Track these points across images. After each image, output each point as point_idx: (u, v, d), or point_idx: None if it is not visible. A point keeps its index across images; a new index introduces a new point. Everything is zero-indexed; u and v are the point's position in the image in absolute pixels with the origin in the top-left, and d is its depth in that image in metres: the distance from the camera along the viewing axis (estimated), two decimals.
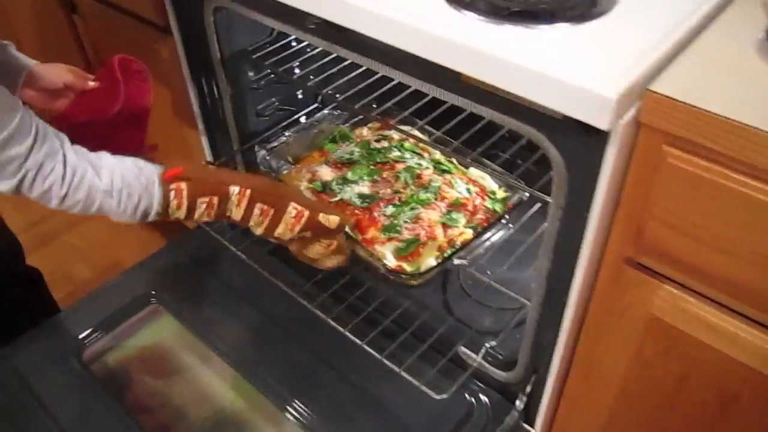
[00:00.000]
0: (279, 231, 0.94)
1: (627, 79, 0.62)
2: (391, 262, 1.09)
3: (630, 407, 0.87)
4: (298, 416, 1.02)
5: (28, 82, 1.04)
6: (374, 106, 1.29)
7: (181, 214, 0.89)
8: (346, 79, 1.20)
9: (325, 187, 1.22)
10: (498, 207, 1.19)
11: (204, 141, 1.30)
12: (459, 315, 1.10)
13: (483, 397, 1.04)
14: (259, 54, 1.18)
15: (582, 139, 0.68)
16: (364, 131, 1.38)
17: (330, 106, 1.39)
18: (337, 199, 1.20)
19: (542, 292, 0.86)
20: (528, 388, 0.99)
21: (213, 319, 1.15)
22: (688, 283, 0.71)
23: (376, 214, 1.17)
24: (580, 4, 0.74)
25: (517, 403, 1.02)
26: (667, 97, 0.61)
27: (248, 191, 0.90)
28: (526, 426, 1.03)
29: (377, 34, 0.76)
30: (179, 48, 1.17)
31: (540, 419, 1.01)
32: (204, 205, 0.89)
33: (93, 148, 1.11)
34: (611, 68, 0.64)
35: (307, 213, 0.93)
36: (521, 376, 0.99)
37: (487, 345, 1.05)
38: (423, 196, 1.19)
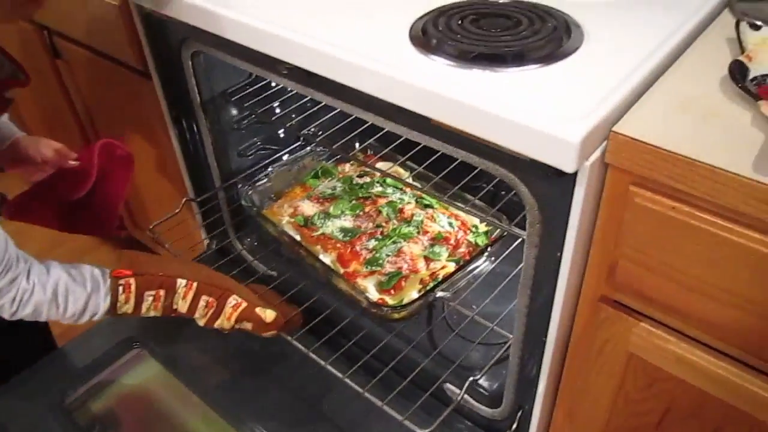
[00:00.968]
0: (218, 322, 0.98)
1: (591, 122, 0.62)
2: (373, 295, 1.09)
3: None
4: None
5: (11, 151, 1.10)
6: (356, 143, 1.30)
7: (129, 308, 0.92)
8: (327, 117, 1.21)
9: (307, 222, 1.23)
10: (480, 240, 1.19)
11: (186, 179, 1.30)
12: (443, 350, 1.09)
13: None
14: (238, 96, 1.18)
15: (551, 180, 0.68)
16: (347, 167, 1.39)
17: (312, 144, 1.40)
18: (318, 233, 1.20)
19: (523, 329, 0.86)
20: (514, 426, 0.98)
21: (195, 362, 1.14)
22: (663, 320, 0.71)
23: (358, 247, 1.17)
24: (547, 44, 0.75)
25: None
26: (632, 138, 0.62)
27: (195, 284, 0.94)
28: None
29: (346, 80, 0.77)
30: (159, 91, 1.17)
31: None
32: (151, 298, 0.93)
33: (60, 227, 1.14)
34: (576, 110, 0.64)
35: (244, 304, 0.97)
36: (507, 412, 0.98)
37: (471, 379, 1.04)
38: (405, 230, 1.20)
